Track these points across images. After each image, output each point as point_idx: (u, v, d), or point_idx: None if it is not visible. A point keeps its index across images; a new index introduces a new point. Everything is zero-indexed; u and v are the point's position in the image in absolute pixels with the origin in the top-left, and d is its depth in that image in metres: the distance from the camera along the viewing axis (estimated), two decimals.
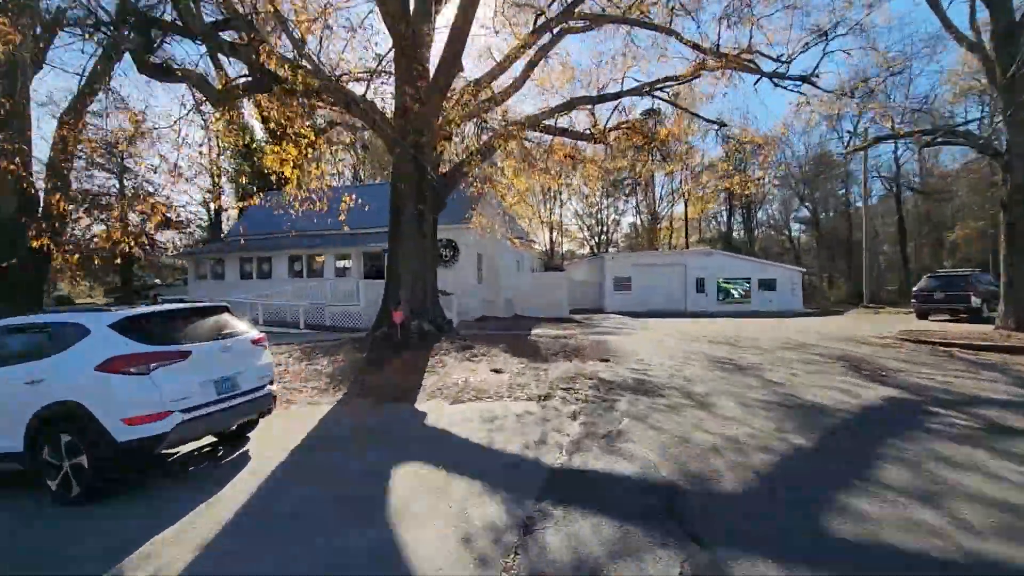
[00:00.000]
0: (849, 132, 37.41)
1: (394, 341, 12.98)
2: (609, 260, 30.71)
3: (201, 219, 35.02)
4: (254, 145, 33.31)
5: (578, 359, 11.15)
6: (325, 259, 22.11)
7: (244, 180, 33.29)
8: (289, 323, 20.24)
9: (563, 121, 18.64)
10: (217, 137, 34.74)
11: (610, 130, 18.25)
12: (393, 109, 14.58)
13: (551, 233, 62.49)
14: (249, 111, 33.89)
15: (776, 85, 16.17)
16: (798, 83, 15.91)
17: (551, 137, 18.92)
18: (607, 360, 10.92)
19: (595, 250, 59.19)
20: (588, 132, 17.86)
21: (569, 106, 16.32)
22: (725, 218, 62.04)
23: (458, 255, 23.10)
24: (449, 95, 14.25)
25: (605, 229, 62.68)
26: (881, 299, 33.59)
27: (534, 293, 25.34)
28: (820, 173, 51.11)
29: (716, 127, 15.31)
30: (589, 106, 17.34)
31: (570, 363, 10.63)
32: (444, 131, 14.57)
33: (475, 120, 15.70)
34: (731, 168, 17.09)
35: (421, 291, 13.96)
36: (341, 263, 22.98)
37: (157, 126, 19.71)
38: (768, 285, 30.86)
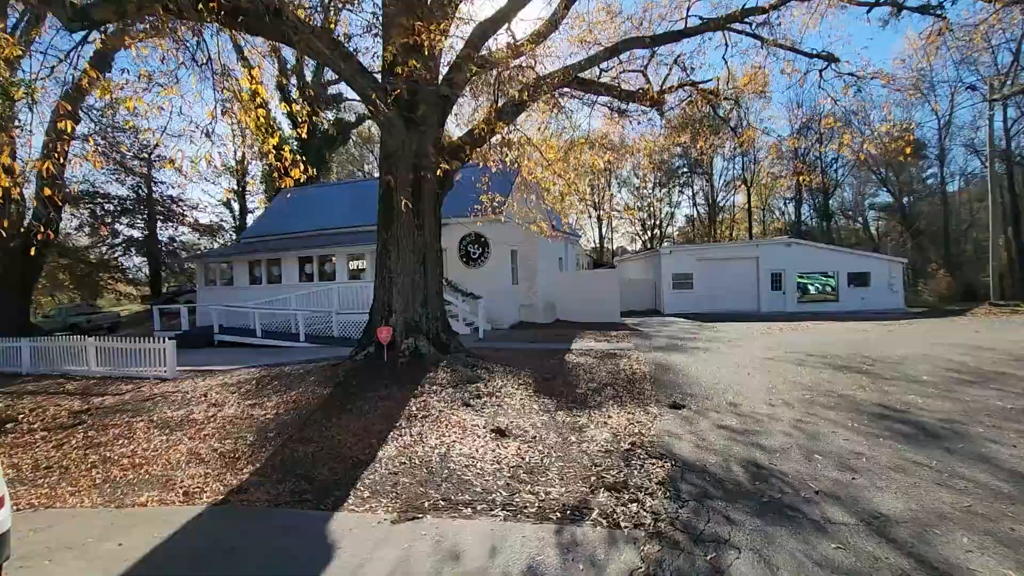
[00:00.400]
0: (976, 85, 31.24)
1: (379, 366, 9.34)
2: (666, 254, 26.18)
3: (224, 221, 32.89)
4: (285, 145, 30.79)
5: (635, 402, 7.09)
6: (336, 260, 18.88)
7: (275, 179, 30.67)
8: (292, 334, 17.04)
9: (606, 81, 14.54)
10: (243, 132, 32.53)
11: (668, 91, 14.00)
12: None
13: (600, 228, 58.00)
14: (277, 105, 31.37)
15: (903, 7, 11.54)
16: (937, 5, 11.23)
17: (593, 99, 14.81)
18: (681, 406, 6.80)
19: (648, 245, 54.23)
20: (641, 91, 13.69)
21: (614, 51, 12.19)
22: (793, 208, 55.65)
23: (488, 253, 19.32)
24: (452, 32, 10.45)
25: (658, 223, 57.57)
26: (1005, 294, 27.45)
27: (580, 295, 21.27)
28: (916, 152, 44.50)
29: (823, 64, 10.80)
30: (643, 52, 13.16)
31: (622, 412, 6.59)
32: (455, 78, 10.83)
33: (493, 72, 11.85)
34: (838, 123, 12.45)
35: (418, 299, 10.22)
36: (355, 264, 19.65)
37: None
38: (860, 280, 25.50)
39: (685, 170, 54.90)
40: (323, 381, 8.87)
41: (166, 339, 10.93)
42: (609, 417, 6.41)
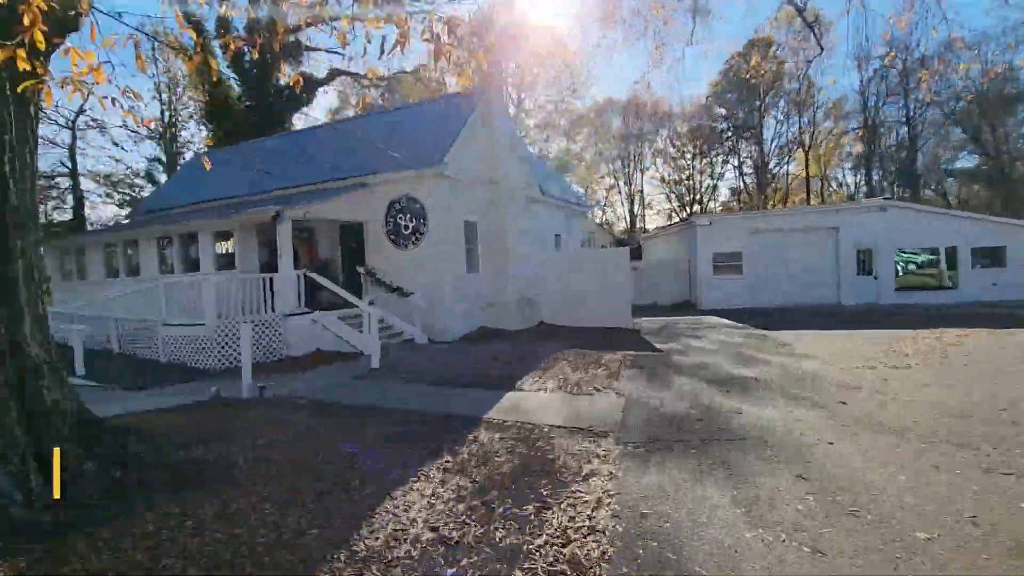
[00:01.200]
0: None
1: None
2: (704, 225, 18.37)
3: (144, 195, 26.87)
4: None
5: None
6: (201, 242, 12.31)
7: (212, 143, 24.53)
8: (106, 352, 10.75)
9: None
10: (178, 88, 26.29)
11: None
12: None
13: (632, 205, 49.69)
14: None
15: None
16: None
17: None
18: None
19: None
20: None
21: None
22: (855, 179, 45.83)
23: (425, 225, 12.28)
24: None
25: (698, 197, 48.79)
26: None
27: (573, 286, 13.97)
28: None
29: None
30: None
31: None
32: None
33: None
34: None
35: None
36: (224, 246, 13.03)
37: None
38: (991, 257, 17.09)
39: (730, 134, 45.85)
40: None
41: None
42: None
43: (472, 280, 13.23)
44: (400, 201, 12.51)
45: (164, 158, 23.75)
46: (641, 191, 49.42)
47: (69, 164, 23.76)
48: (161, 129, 24.01)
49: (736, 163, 47.57)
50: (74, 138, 23.81)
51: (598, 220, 45.95)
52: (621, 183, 49.47)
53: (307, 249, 13.17)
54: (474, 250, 13.50)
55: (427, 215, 12.22)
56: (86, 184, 24.94)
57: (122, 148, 23.89)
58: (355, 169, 13.15)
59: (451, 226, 12.49)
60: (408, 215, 12.42)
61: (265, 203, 12.13)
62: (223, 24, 24.85)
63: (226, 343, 9.63)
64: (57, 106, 23.05)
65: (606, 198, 50.75)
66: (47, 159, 23.69)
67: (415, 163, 12.20)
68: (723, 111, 46.42)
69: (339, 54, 31.10)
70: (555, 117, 41.44)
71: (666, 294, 19.73)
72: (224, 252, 12.59)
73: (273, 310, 10.63)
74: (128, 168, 24.18)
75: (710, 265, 17.79)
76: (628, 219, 49.55)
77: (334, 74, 28.49)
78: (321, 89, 27.84)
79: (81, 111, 23.86)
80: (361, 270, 12.71)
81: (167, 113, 24.12)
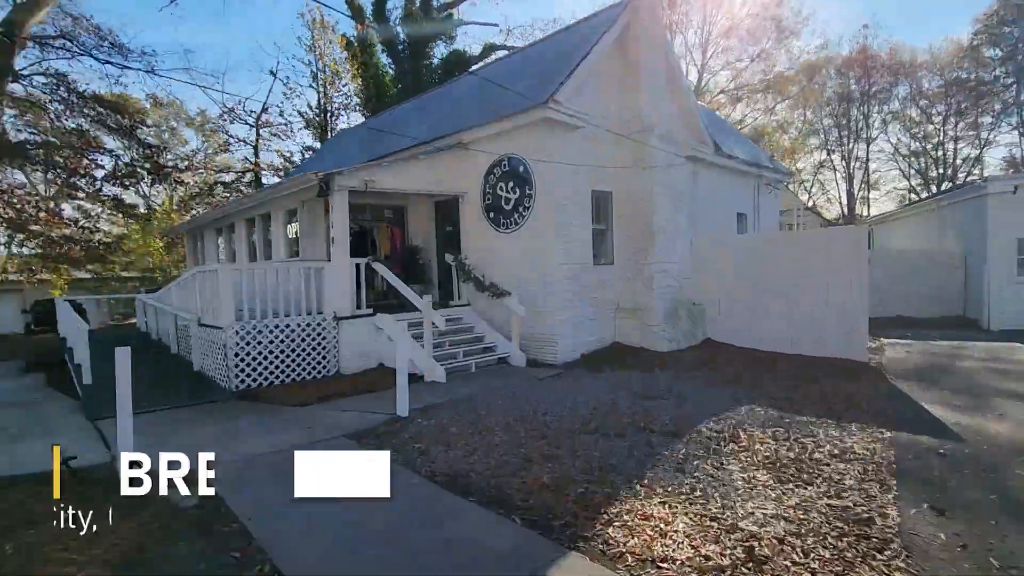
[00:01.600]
0: None
1: None
2: (1004, 195, 11.15)
3: None
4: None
5: None
6: (272, 221, 10.18)
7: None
8: (162, 352, 9.18)
9: None
10: (333, 75, 26.06)
11: None
12: None
13: (851, 185, 38.97)
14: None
15: None
16: None
17: None
18: None
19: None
20: None
21: None
22: None
23: (532, 195, 8.47)
24: None
25: (950, 171, 36.33)
26: None
27: (765, 287, 8.84)
28: None
29: None
30: None
31: None
32: None
33: None
34: None
35: None
36: (294, 226, 10.70)
37: None
38: None
39: (1011, 82, 32.81)
40: None
41: None
42: None
43: (601, 275, 9.03)
44: (501, 164, 8.86)
45: (318, 146, 23.89)
46: (866, 166, 38.56)
47: (253, 160, 25.21)
48: (318, 118, 24.18)
49: (1017, 121, 34.15)
50: (258, 136, 25.10)
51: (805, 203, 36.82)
52: (836, 158, 39.23)
53: (392, 232, 10.38)
54: (606, 232, 9.25)
55: (533, 180, 8.37)
56: (266, 178, 26.24)
57: (280, 138, 24.45)
58: (453, 125, 9.90)
59: (569, 196, 8.46)
60: (510, 183, 8.72)
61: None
62: (379, 9, 24.09)
63: (245, 354, 7.07)
64: (244, 104, 24.37)
65: (815, 177, 40.90)
66: (236, 154, 25.45)
67: (516, 108, 8.44)
68: (997, 52, 33.62)
69: (494, 26, 28.67)
70: (750, 77, 33.87)
71: (915, 302, 12.87)
72: (291, 235, 10.38)
73: (321, 312, 7.88)
74: (283, 159, 24.87)
75: (1013, 260, 10.72)
76: (845, 202, 39.16)
77: (489, 50, 26.08)
78: (476, 67, 25.57)
79: (264, 109, 25.04)
80: (450, 259, 9.42)
81: (322, 100, 24.16)
